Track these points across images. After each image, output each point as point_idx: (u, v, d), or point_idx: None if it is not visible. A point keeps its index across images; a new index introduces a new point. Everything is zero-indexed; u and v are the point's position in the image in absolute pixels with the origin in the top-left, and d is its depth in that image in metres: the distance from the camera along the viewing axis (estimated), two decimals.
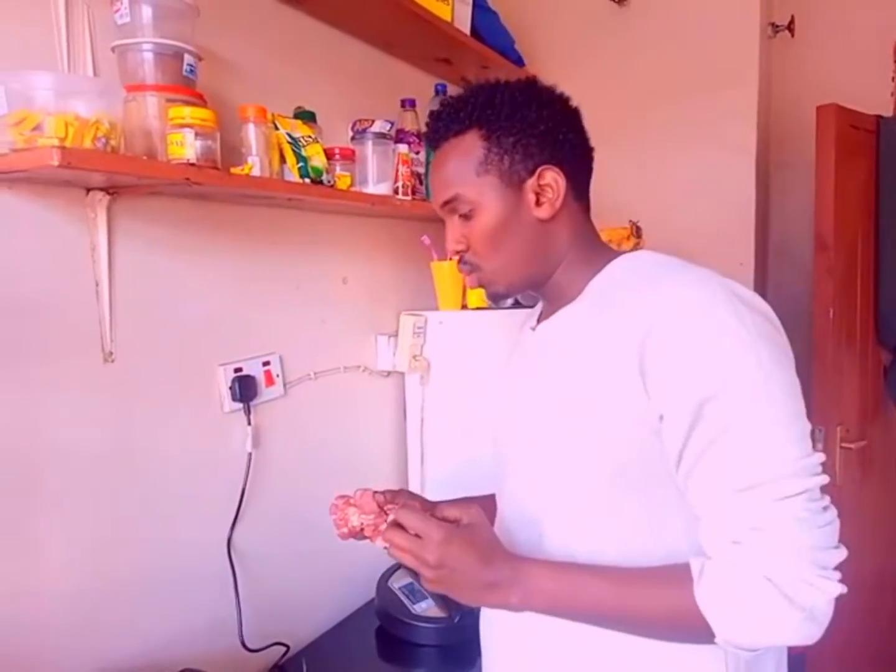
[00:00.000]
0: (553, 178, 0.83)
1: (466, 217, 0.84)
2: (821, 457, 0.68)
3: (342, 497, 0.93)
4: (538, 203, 0.83)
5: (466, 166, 0.83)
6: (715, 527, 0.69)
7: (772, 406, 0.67)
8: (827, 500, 0.68)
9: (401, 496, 0.96)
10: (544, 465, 0.84)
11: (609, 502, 0.77)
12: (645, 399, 0.71)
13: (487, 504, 1.01)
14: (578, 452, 0.78)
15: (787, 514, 0.65)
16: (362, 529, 0.90)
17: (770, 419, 0.67)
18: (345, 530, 0.91)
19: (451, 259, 0.90)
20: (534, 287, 0.89)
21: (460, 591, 0.73)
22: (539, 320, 0.94)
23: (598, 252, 0.88)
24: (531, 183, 0.82)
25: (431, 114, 0.88)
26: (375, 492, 0.92)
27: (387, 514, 0.90)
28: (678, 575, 0.70)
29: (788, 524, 0.65)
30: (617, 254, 0.87)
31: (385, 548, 0.89)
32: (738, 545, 0.67)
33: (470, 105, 0.83)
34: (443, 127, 0.85)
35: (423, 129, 0.92)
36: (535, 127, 0.82)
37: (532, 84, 0.86)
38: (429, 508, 0.95)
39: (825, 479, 0.68)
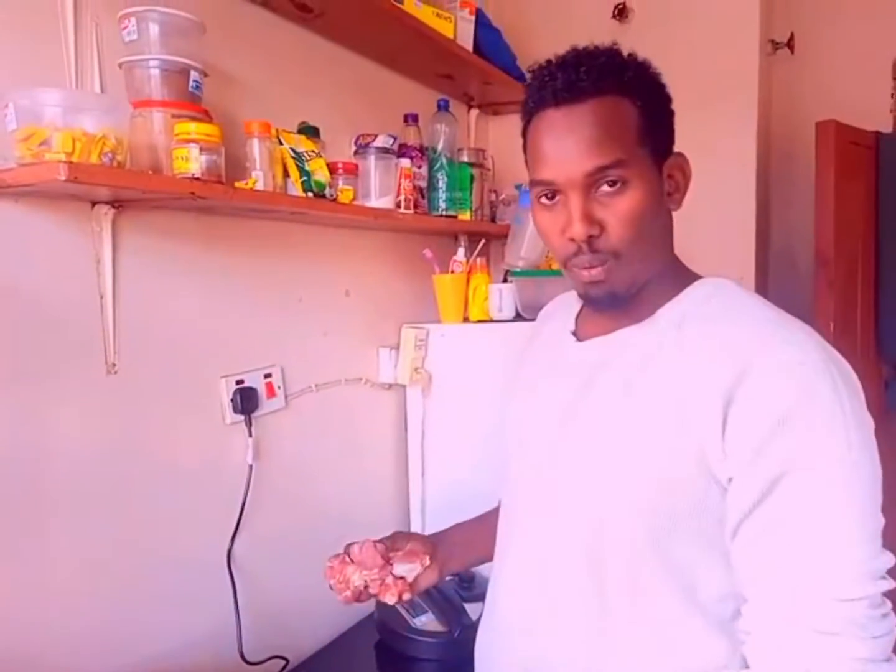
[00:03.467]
0: (681, 167, 0.74)
1: (615, 192, 0.69)
2: (890, 559, 0.63)
3: (336, 557, 0.86)
4: (669, 193, 0.74)
5: (628, 132, 0.70)
6: (763, 614, 0.64)
7: (851, 497, 0.61)
8: (888, 606, 0.62)
9: (397, 540, 0.91)
10: (590, 492, 0.74)
11: (653, 546, 0.70)
12: (720, 453, 0.65)
13: (483, 526, 0.97)
14: (630, 489, 0.71)
15: (846, 619, 0.60)
16: (367, 588, 0.83)
17: (845, 512, 0.61)
18: (348, 594, 0.83)
19: (573, 243, 0.71)
20: (637, 291, 0.75)
21: None
22: (581, 330, 0.84)
23: (681, 269, 0.78)
24: (665, 169, 0.74)
25: (564, 62, 0.71)
26: (375, 542, 0.86)
27: (390, 565, 0.84)
28: None
29: (847, 631, 0.60)
30: (693, 276, 0.78)
31: (395, 602, 0.84)
32: (787, 648, 0.62)
33: (620, 67, 0.71)
34: (591, 80, 0.69)
35: (528, 79, 0.75)
36: (670, 106, 0.75)
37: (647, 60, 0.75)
38: (428, 548, 0.92)
39: (891, 584, 0.62)
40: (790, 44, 2.14)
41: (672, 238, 0.79)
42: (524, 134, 0.77)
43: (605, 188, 0.69)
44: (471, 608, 1.38)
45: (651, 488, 0.69)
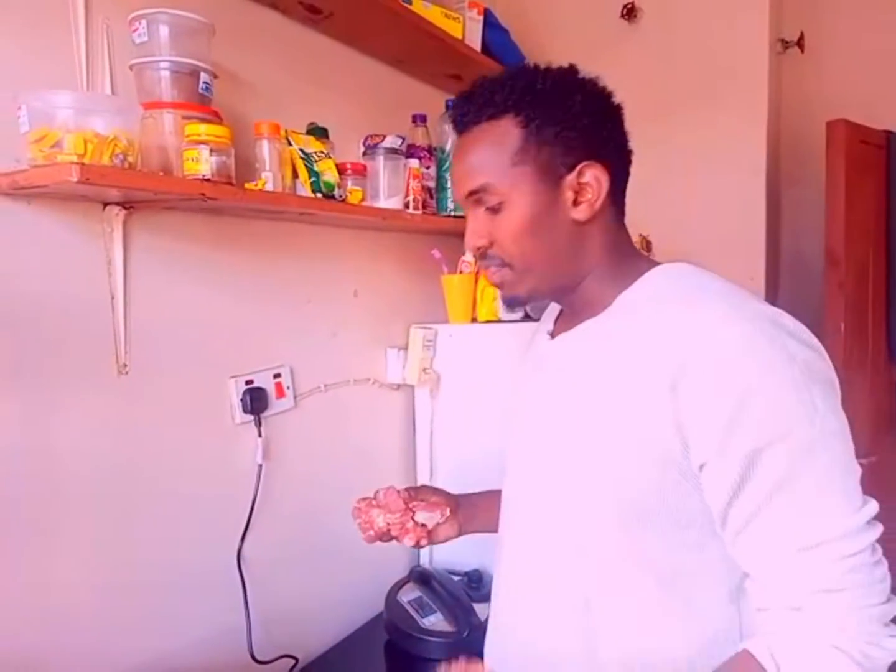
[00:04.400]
0: (595, 177, 0.75)
1: (494, 210, 0.76)
2: (874, 506, 0.65)
3: (364, 500, 0.92)
4: (576, 203, 0.75)
5: (499, 154, 0.74)
6: (773, 588, 0.65)
7: (830, 456, 0.63)
8: (879, 551, 0.65)
9: (423, 492, 0.96)
10: (555, 485, 0.79)
11: (616, 541, 0.73)
12: (678, 444, 0.66)
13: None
14: (591, 481, 0.74)
15: (848, 574, 0.62)
16: (389, 530, 0.89)
17: (828, 470, 0.63)
18: (371, 533, 0.90)
19: (472, 252, 0.81)
20: (558, 295, 0.82)
21: None
22: (556, 327, 0.88)
23: (631, 262, 0.80)
24: (570, 180, 0.75)
25: (462, 95, 0.78)
26: (399, 490, 0.91)
27: (412, 511, 0.90)
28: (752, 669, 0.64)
29: (852, 585, 0.62)
30: (652, 264, 0.80)
31: (413, 546, 0.91)
32: (801, 612, 0.63)
33: (508, 88, 0.74)
34: (474, 109, 0.76)
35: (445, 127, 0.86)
36: (578, 119, 0.74)
37: (574, 72, 0.78)
38: (451, 504, 0.97)
39: (880, 529, 0.65)
40: (800, 42, 2.12)
41: (597, 239, 0.78)
42: None
43: (486, 210, 0.77)
44: (479, 608, 1.38)
45: (611, 480, 0.71)
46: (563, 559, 0.78)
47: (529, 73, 0.76)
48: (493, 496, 1.02)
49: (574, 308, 0.82)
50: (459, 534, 0.98)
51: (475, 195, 0.77)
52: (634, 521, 0.71)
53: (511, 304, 0.83)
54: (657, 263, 0.80)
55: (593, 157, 0.75)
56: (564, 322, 0.85)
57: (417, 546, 0.93)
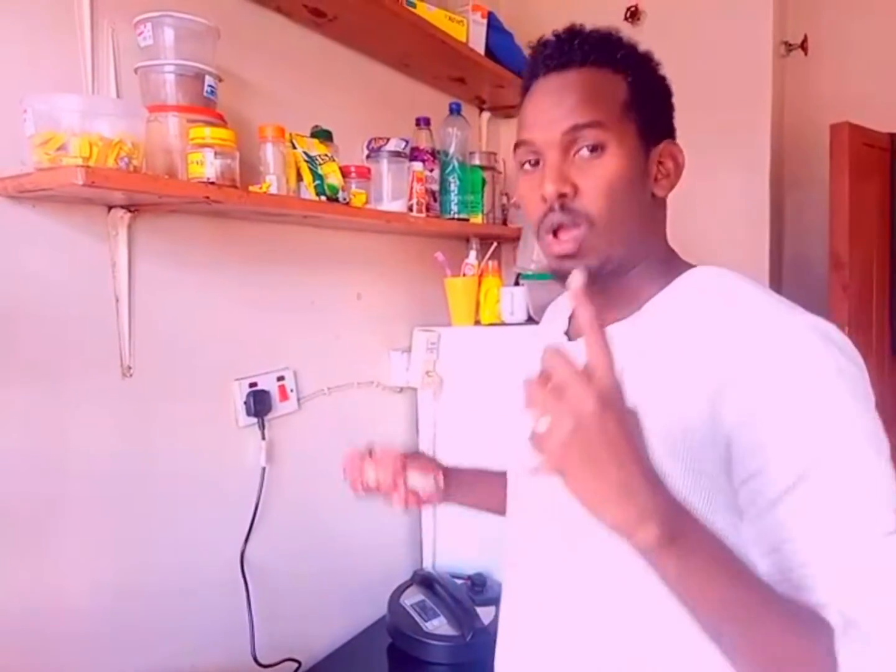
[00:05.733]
0: (674, 156, 0.73)
1: (593, 153, 0.68)
2: None
3: (356, 451, 0.90)
4: (656, 178, 0.73)
5: (612, 100, 0.69)
6: (845, 582, 0.58)
7: (875, 449, 0.60)
8: None
9: (418, 457, 0.93)
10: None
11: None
12: (721, 459, 0.63)
13: (495, 479, 0.96)
14: None
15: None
16: (378, 486, 0.88)
17: (874, 465, 0.60)
18: (360, 488, 0.88)
19: (544, 201, 0.69)
20: (615, 276, 0.73)
21: (594, 471, 0.49)
22: (572, 327, 0.82)
23: (673, 258, 0.77)
24: (654, 153, 0.72)
25: (559, 34, 0.72)
26: (396, 451, 0.89)
27: (405, 471, 0.88)
28: (818, 622, 0.58)
29: None
30: (686, 266, 0.76)
31: (401, 507, 0.88)
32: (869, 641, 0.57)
33: (614, 41, 0.71)
34: (579, 49, 0.69)
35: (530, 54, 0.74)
36: (670, 96, 0.74)
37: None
38: (441, 471, 0.93)
39: None
40: (804, 45, 2.13)
41: (663, 226, 0.77)
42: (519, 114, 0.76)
43: (584, 152, 0.68)
44: (482, 612, 1.37)
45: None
46: (592, 582, 0.71)
47: (621, 36, 0.73)
48: (482, 475, 1.02)
49: (607, 302, 0.73)
50: (441, 501, 0.96)
51: (580, 131, 0.68)
52: None
53: (567, 277, 0.72)
54: (690, 266, 0.76)
55: (671, 136, 0.75)
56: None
57: (405, 506, 0.90)
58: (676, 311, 0.70)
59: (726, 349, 0.64)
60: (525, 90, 0.75)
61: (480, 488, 0.99)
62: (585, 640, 0.72)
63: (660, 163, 0.73)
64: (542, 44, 0.73)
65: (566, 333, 0.82)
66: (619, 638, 0.69)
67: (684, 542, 0.52)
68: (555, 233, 0.70)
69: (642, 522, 0.50)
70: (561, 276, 0.72)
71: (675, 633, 0.65)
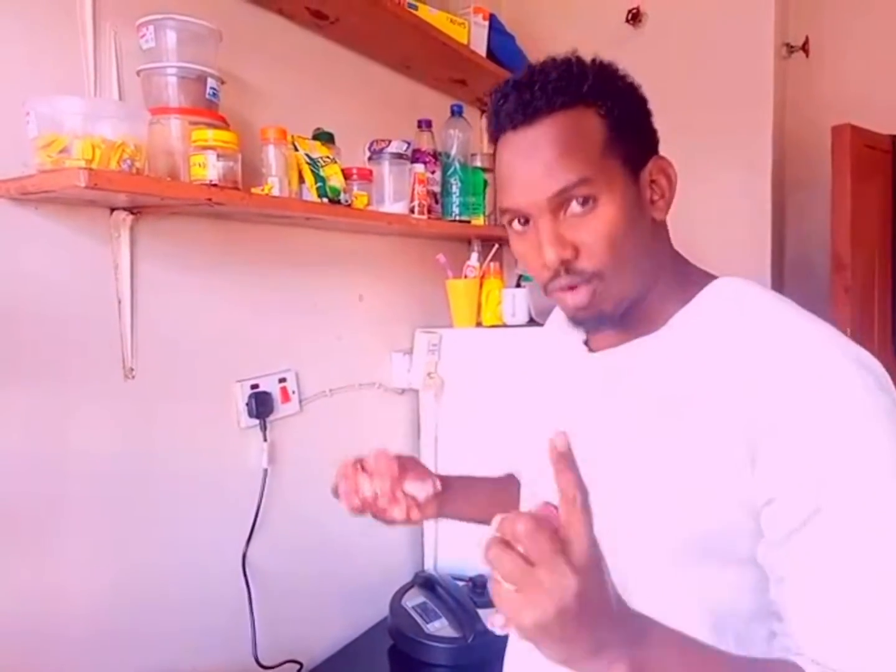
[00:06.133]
0: (665, 171, 0.70)
1: (585, 210, 0.65)
2: None
3: (353, 463, 0.84)
4: (652, 200, 0.70)
5: (589, 146, 0.65)
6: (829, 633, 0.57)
7: None
8: None
9: (412, 462, 0.87)
10: (603, 516, 0.66)
11: (671, 576, 0.66)
12: (749, 478, 0.60)
13: (490, 489, 0.94)
14: (649, 515, 0.66)
15: None
16: (376, 500, 0.80)
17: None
18: (356, 502, 0.81)
19: (547, 269, 0.67)
20: (630, 307, 0.71)
21: (560, 647, 0.49)
22: (593, 339, 0.79)
23: (690, 271, 0.74)
24: (645, 176, 0.69)
25: (515, 82, 0.68)
26: (390, 455, 0.83)
27: (402, 481, 0.81)
28: None
29: None
30: (708, 277, 0.73)
31: (402, 519, 0.79)
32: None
33: (577, 76, 0.66)
34: (542, 97, 0.65)
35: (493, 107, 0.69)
36: (645, 111, 0.71)
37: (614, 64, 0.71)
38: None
39: None
40: (805, 47, 2.13)
41: (668, 244, 0.75)
42: (494, 168, 0.73)
43: (575, 209, 0.66)
44: (484, 614, 1.37)
45: (675, 516, 0.65)
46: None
47: (593, 62, 0.69)
48: (477, 483, 0.98)
49: (627, 322, 0.72)
50: (438, 514, 0.90)
51: (566, 193, 0.65)
52: (694, 560, 0.65)
53: (594, 326, 0.72)
54: (710, 275, 0.74)
55: (655, 149, 0.72)
56: (606, 336, 0.76)
57: (407, 519, 0.84)
58: (701, 330, 0.68)
59: (761, 389, 0.61)
60: (494, 140, 0.72)
61: (477, 500, 0.95)
62: None
63: (652, 182, 0.70)
64: (502, 95, 0.68)
65: (585, 343, 0.80)
66: None
67: (650, 656, 0.52)
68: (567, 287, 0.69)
69: (611, 665, 0.50)
70: (578, 325, 0.72)
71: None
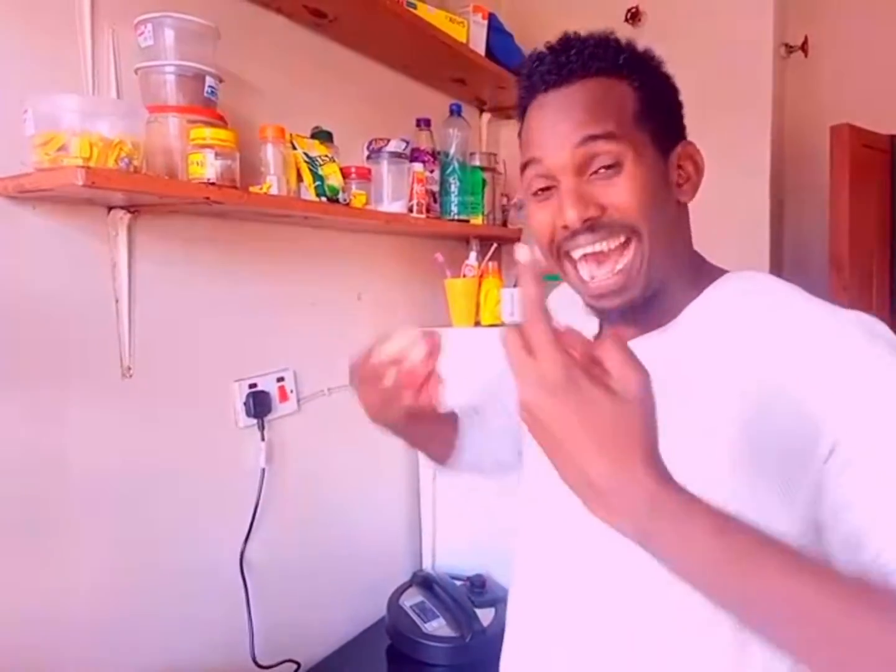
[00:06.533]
0: (693, 157, 0.69)
1: (611, 171, 0.63)
2: None
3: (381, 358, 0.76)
4: (678, 183, 0.69)
5: (622, 111, 0.64)
6: None
7: None
8: None
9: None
10: None
11: None
12: (796, 440, 0.57)
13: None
14: None
15: None
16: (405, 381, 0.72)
17: None
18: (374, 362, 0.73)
19: (568, 226, 0.63)
20: (650, 297, 0.67)
21: (583, 447, 0.45)
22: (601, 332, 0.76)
23: (704, 264, 0.73)
24: (673, 157, 0.68)
25: (556, 45, 0.67)
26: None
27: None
28: None
29: None
30: (715, 269, 0.72)
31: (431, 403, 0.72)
32: None
33: (614, 47, 0.67)
34: (580, 60, 0.65)
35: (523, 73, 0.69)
36: (678, 98, 0.71)
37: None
38: None
39: None
40: (804, 47, 2.13)
41: (688, 233, 0.73)
42: (520, 133, 0.71)
43: (600, 171, 0.63)
44: (482, 613, 1.37)
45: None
46: (611, 588, 0.67)
47: (619, 39, 0.68)
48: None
49: (638, 316, 0.69)
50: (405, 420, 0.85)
51: (592, 144, 0.63)
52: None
53: (613, 309, 0.67)
54: (724, 271, 0.73)
55: (684, 136, 0.71)
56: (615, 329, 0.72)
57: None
58: (710, 321, 0.67)
59: (780, 347, 0.60)
60: (522, 109, 0.70)
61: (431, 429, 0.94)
62: (599, 647, 0.68)
63: (679, 166, 0.69)
64: (537, 58, 0.68)
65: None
66: (636, 646, 0.66)
67: (695, 539, 0.47)
68: (590, 260, 0.65)
69: (634, 508, 0.46)
70: (600, 311, 0.69)
71: (692, 641, 0.62)
